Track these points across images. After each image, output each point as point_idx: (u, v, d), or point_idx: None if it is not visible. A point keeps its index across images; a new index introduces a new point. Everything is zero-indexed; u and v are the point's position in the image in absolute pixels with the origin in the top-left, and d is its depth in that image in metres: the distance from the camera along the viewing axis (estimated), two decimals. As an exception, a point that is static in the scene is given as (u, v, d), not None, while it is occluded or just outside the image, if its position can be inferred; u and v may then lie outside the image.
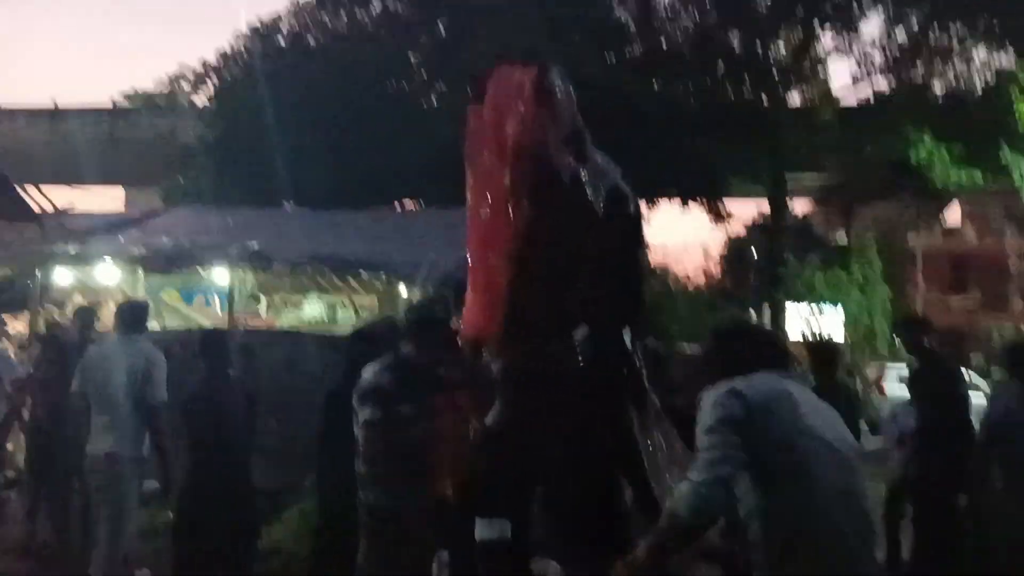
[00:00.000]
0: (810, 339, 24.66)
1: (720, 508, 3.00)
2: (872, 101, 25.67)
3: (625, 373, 3.98)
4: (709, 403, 3.12)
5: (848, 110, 26.13)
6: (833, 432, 3.11)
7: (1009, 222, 32.39)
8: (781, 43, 26.68)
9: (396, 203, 18.69)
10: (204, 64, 24.57)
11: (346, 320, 13.09)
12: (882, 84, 25.90)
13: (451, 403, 4.41)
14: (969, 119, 22.62)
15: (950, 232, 42.22)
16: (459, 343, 4.31)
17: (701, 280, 46.67)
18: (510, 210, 4.00)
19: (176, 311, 12.77)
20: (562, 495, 4.05)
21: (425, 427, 4.46)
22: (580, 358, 3.77)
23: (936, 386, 6.57)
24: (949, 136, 22.58)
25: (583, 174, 3.92)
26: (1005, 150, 21.71)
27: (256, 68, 22.34)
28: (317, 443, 6.11)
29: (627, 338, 3.99)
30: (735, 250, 41.42)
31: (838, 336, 27.35)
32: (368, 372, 4.95)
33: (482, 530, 3.05)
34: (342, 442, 5.52)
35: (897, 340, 7.71)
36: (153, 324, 11.80)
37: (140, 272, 12.01)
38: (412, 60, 25.11)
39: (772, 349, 3.46)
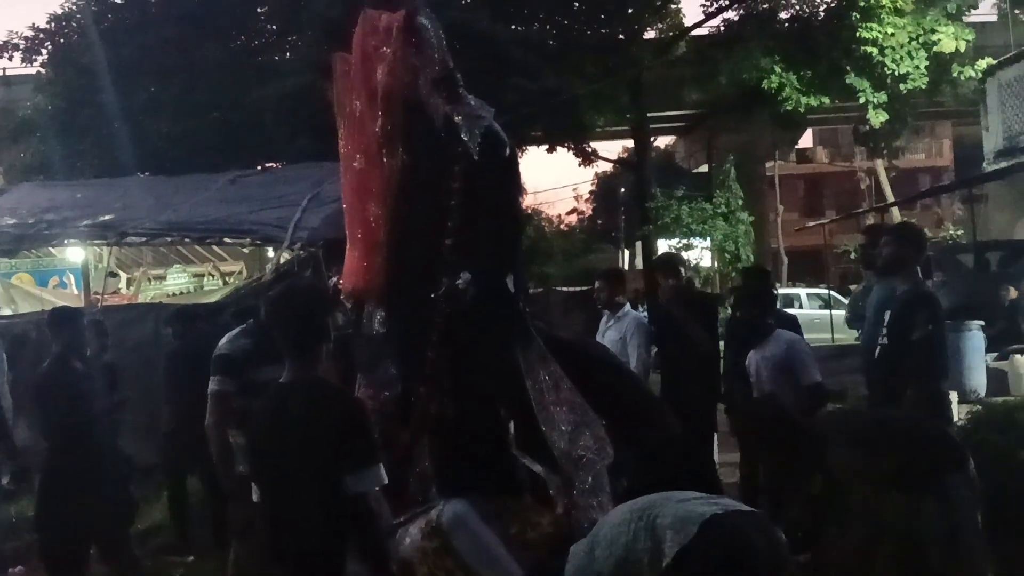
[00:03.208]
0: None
1: None
2: (723, 32, 26.25)
3: (509, 316, 3.96)
4: None
5: (702, 42, 26.64)
6: None
7: (857, 144, 33.86)
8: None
9: (257, 163, 18.03)
10: (35, 29, 23.01)
11: (214, 289, 12.69)
12: (731, 15, 26.53)
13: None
14: (816, 45, 23.36)
15: (804, 157, 44.04)
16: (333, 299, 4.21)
17: (573, 221, 47.42)
18: (384, 158, 3.92)
19: (29, 295, 12.07)
20: (450, 439, 4.04)
21: None
22: (464, 303, 3.74)
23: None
24: (798, 63, 23.29)
25: (456, 118, 3.85)
26: (851, 74, 22.57)
27: (92, 29, 21.05)
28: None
29: (509, 282, 3.97)
30: (604, 190, 42.13)
31: (706, 266, 28.33)
32: (223, 340, 4.83)
33: (355, 483, 2.96)
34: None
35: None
36: (5, 311, 11.18)
37: (-16, 256, 11.32)
38: (258, 11, 24.20)
39: None
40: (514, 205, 4.21)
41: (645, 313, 8.84)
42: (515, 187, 4.21)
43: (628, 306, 7.18)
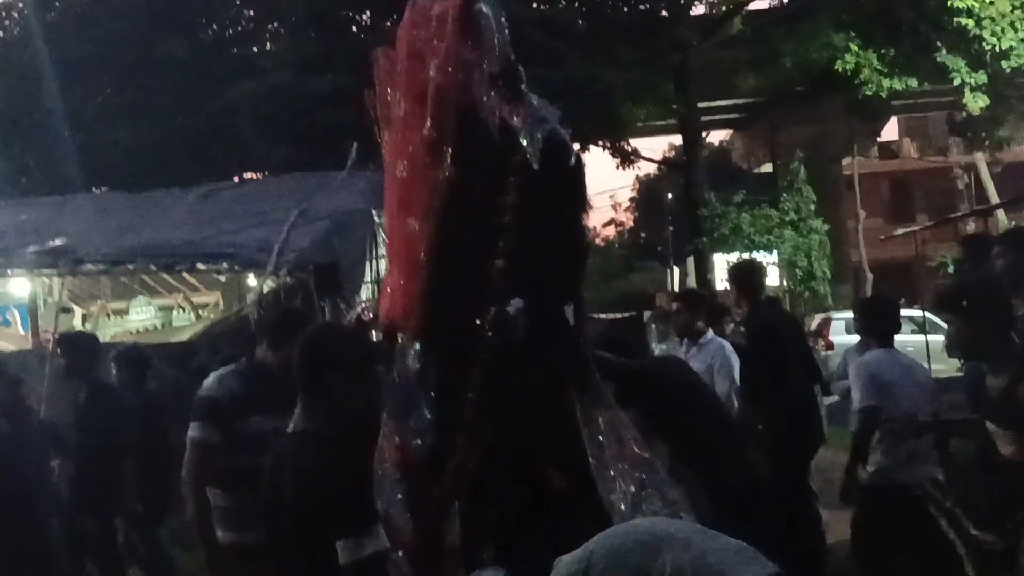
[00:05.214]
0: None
1: None
2: (786, 4, 26.30)
3: (566, 352, 3.95)
4: None
5: (761, 18, 26.68)
6: None
7: (952, 134, 33.70)
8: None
9: (232, 175, 18.18)
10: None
11: (185, 324, 12.73)
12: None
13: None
14: (898, 18, 23.34)
15: (889, 151, 43.87)
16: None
17: (611, 235, 47.46)
18: (433, 167, 3.94)
19: (-34, 336, 12.19)
20: (490, 499, 4.02)
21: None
22: (515, 335, 3.72)
23: None
24: (878, 40, 23.27)
25: (516, 120, 3.87)
26: (942, 51, 22.51)
27: (34, 22, 21.35)
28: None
29: (568, 312, 3.97)
30: (647, 196, 42.12)
31: (773, 285, 28.18)
32: (209, 380, 4.85)
33: (349, 551, 3.04)
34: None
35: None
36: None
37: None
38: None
39: None
40: (578, 223, 4.22)
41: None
42: (580, 202, 4.22)
43: (711, 332, 7.38)
